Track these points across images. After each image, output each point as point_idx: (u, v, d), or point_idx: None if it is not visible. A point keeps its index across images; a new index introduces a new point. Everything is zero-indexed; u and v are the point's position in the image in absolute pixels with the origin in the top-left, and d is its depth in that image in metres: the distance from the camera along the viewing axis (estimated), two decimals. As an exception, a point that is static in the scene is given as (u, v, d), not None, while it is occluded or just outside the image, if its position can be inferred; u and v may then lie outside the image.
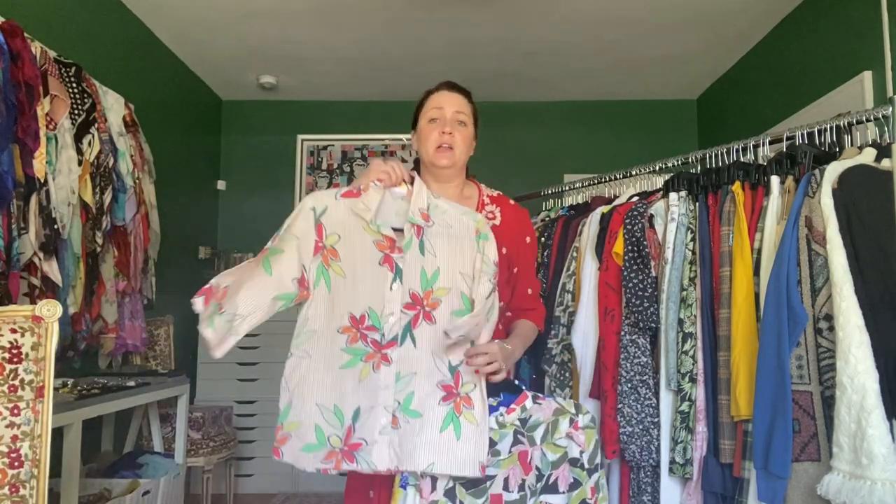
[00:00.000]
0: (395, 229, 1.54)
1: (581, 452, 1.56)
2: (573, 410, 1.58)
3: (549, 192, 3.04)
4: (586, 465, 1.56)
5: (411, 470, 1.45)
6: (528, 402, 1.55)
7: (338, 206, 1.56)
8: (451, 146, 1.69)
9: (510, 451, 1.50)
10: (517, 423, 1.52)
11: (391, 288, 1.50)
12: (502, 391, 1.57)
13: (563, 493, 1.55)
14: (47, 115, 2.34)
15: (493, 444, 1.49)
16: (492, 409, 1.52)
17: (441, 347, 1.48)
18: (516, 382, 1.59)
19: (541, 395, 1.60)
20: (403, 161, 4.86)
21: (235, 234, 4.77)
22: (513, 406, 1.54)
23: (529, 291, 1.77)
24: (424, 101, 1.78)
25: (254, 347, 4.16)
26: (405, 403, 1.47)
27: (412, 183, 1.60)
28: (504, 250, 1.68)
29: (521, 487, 1.51)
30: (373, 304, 1.50)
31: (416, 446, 1.44)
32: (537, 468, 1.52)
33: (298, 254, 1.52)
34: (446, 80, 1.79)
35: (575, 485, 1.56)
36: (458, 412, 1.47)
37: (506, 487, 1.50)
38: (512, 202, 1.82)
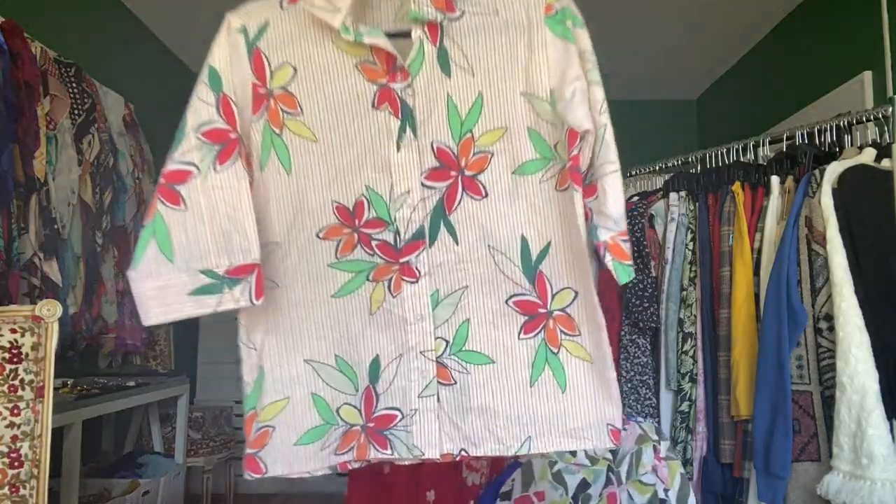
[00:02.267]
0: (391, 35, 0.94)
1: (666, 491, 1.24)
2: (655, 436, 1.24)
3: (549, 192, 3.03)
4: None
5: (485, 454, 0.96)
6: None
7: (285, 18, 0.97)
8: None
9: (601, 495, 1.18)
10: (608, 455, 1.20)
11: (398, 146, 0.94)
12: None
13: None
14: (47, 115, 2.34)
15: (585, 485, 1.15)
16: None
17: (505, 233, 0.93)
18: None
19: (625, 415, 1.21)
20: None
21: (235, 234, 4.76)
22: None
23: None
24: None
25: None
26: (457, 341, 0.95)
27: None
28: None
29: None
30: (372, 180, 0.95)
31: (491, 414, 0.94)
32: None
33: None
34: None
35: None
36: (555, 345, 0.94)
37: None
38: None
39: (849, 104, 2.70)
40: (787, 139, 1.96)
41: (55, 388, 1.59)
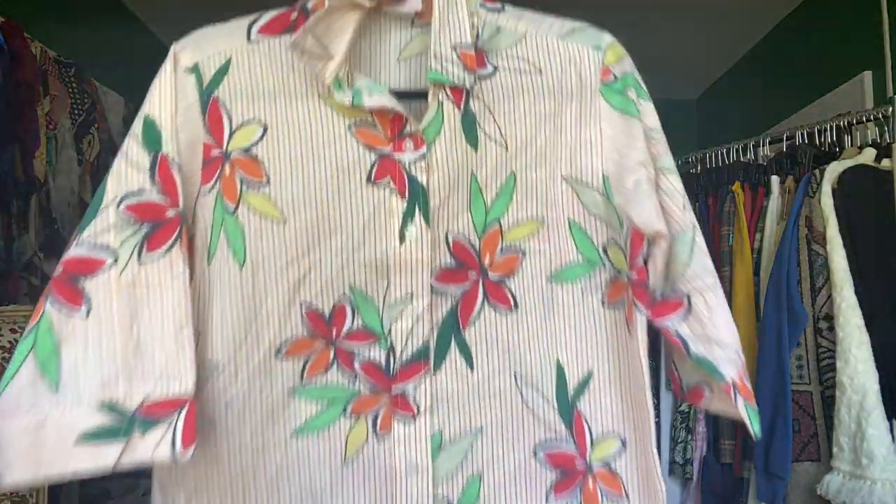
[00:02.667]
0: (399, 94, 0.69)
1: None
2: None
3: (549, 192, 3.03)
4: None
5: None
6: None
7: (254, 56, 0.72)
8: None
9: None
10: None
11: (402, 238, 0.69)
12: None
13: None
14: (47, 115, 2.34)
15: None
16: None
17: (537, 358, 0.70)
18: None
19: None
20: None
21: (235, 234, 4.76)
22: None
23: None
24: None
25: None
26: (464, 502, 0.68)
27: None
28: None
29: None
30: (360, 278, 0.69)
31: None
32: None
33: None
34: None
35: None
36: None
37: None
38: None
39: (849, 104, 2.69)
40: (787, 139, 1.96)
41: (55, 388, 1.59)
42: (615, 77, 0.74)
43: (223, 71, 0.72)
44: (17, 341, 1.50)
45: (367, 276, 0.69)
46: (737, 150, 2.08)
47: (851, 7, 2.95)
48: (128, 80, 3.32)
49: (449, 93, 0.69)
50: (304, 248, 0.69)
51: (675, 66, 4.24)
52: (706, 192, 1.96)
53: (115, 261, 0.65)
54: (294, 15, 0.72)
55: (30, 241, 2.19)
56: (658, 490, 0.70)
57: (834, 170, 1.59)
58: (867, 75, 2.79)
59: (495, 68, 0.71)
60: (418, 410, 0.68)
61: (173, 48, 0.78)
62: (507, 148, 0.71)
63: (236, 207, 0.68)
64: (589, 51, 0.75)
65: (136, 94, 3.44)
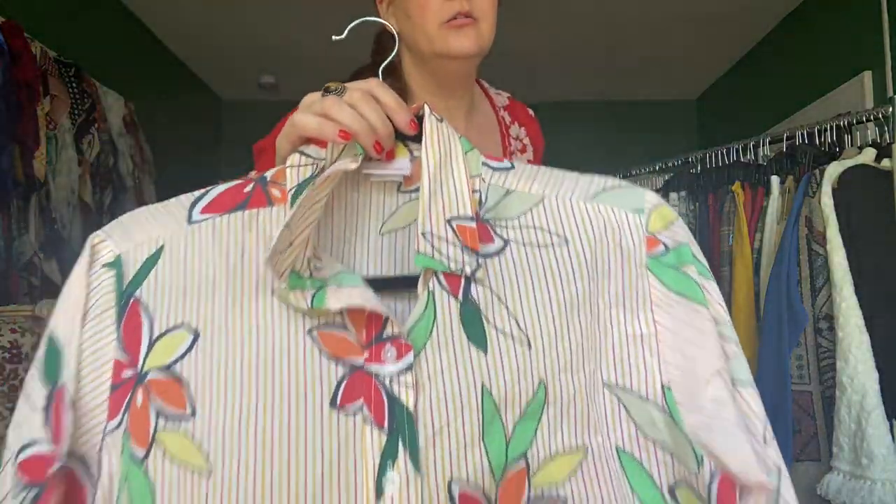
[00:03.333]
0: (378, 282, 0.54)
1: None
2: None
3: (549, 192, 3.03)
4: None
5: None
6: None
7: (193, 241, 0.56)
8: (473, 15, 0.88)
9: None
10: None
11: (381, 493, 0.47)
12: None
13: None
14: (47, 115, 2.34)
15: None
16: None
17: None
18: None
19: None
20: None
21: (235, 234, 4.77)
22: None
23: None
24: None
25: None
26: None
27: (417, 134, 0.57)
28: None
29: None
30: None
31: None
32: None
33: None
34: None
35: None
36: None
37: None
38: (531, 112, 1.11)
39: (849, 104, 2.70)
40: (787, 139, 1.96)
41: (55, 388, 1.59)
42: (666, 248, 0.54)
43: (151, 263, 0.53)
44: (17, 341, 1.50)
45: None
46: (737, 150, 2.08)
47: (851, 7, 2.96)
48: (128, 80, 3.32)
49: (443, 280, 0.51)
50: None
51: (675, 66, 4.24)
52: (706, 192, 1.96)
53: None
54: (249, 188, 0.57)
55: (30, 241, 2.19)
56: None
57: (834, 170, 1.59)
58: (867, 75, 2.80)
59: (505, 243, 0.53)
60: None
61: (91, 238, 0.56)
62: (530, 346, 0.50)
63: (146, 454, 0.48)
64: (628, 215, 0.55)
65: (136, 94, 3.47)
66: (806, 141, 1.91)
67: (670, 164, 2.36)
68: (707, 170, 2.03)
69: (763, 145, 2.01)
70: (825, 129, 1.87)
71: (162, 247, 0.54)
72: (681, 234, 0.55)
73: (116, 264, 0.54)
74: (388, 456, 0.47)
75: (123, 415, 0.50)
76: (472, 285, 0.51)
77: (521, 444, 0.47)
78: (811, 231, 1.58)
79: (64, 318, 0.54)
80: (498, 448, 0.47)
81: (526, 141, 1.04)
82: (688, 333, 0.52)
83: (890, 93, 2.64)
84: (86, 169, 2.56)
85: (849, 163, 1.62)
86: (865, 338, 1.45)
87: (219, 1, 3.40)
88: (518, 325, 0.50)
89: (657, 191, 2.20)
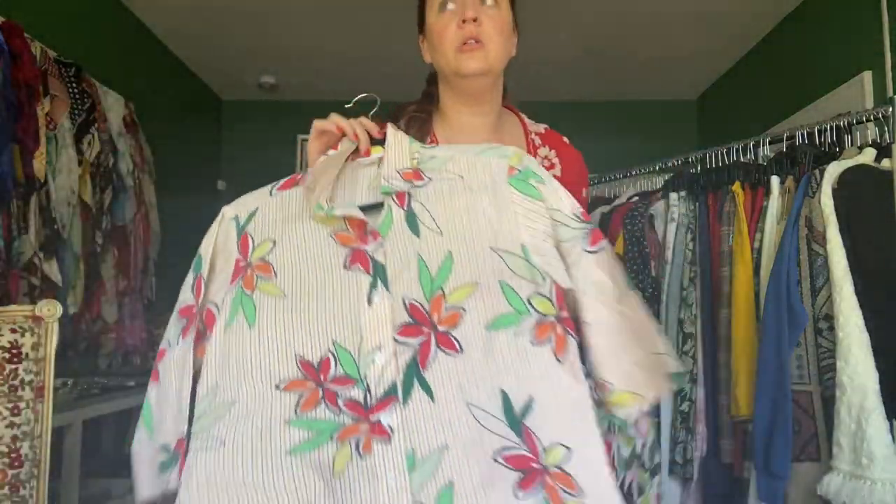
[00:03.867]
0: (364, 208, 0.95)
1: (643, 446, 1.12)
2: None
3: (549, 192, 3.03)
4: (647, 464, 1.12)
5: None
6: None
7: (272, 203, 1.02)
8: (480, 39, 1.12)
9: None
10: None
11: (370, 302, 0.89)
12: None
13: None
14: (47, 115, 2.34)
15: None
16: None
17: (484, 389, 0.84)
18: None
19: None
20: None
21: (235, 234, 4.77)
22: None
23: None
24: None
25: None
26: None
27: (383, 140, 1.02)
28: None
29: None
30: (341, 335, 0.88)
31: None
32: (614, 468, 1.04)
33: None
34: None
35: (640, 491, 1.10)
36: None
37: None
38: (566, 139, 1.30)
39: (849, 104, 2.70)
40: (787, 139, 1.96)
41: (55, 388, 1.59)
42: (519, 171, 0.95)
43: (251, 216, 1.01)
44: (17, 341, 1.50)
45: (345, 334, 0.89)
46: (737, 150, 2.08)
47: (851, 7, 2.96)
48: (128, 80, 3.32)
49: (395, 199, 0.95)
50: (297, 314, 0.92)
51: (675, 66, 4.24)
52: (706, 192, 1.96)
53: (170, 347, 0.97)
54: (300, 176, 1.04)
55: (30, 241, 2.19)
56: (608, 487, 0.83)
57: (834, 170, 1.60)
58: (867, 75, 2.80)
59: (430, 179, 0.97)
60: (392, 433, 0.83)
61: (223, 209, 1.05)
62: (442, 234, 0.92)
63: (252, 291, 0.95)
64: (497, 159, 0.96)
65: (136, 94, 3.47)
66: (806, 141, 1.91)
67: (670, 164, 2.36)
68: (707, 170, 2.03)
69: (763, 145, 2.02)
70: (825, 129, 1.87)
71: (257, 208, 1.02)
72: (526, 162, 0.96)
73: (234, 218, 1.02)
74: (372, 285, 0.90)
75: (240, 279, 0.96)
76: (410, 201, 0.95)
77: (440, 282, 0.89)
78: (811, 231, 1.58)
79: (205, 245, 1.01)
80: (426, 283, 0.89)
81: (555, 161, 1.26)
82: (532, 215, 0.92)
83: (890, 93, 2.64)
84: (86, 169, 2.56)
85: (849, 163, 1.62)
86: (865, 338, 1.45)
87: (219, 1, 3.40)
88: (435, 222, 0.93)
89: (657, 191, 2.20)
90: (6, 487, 1.45)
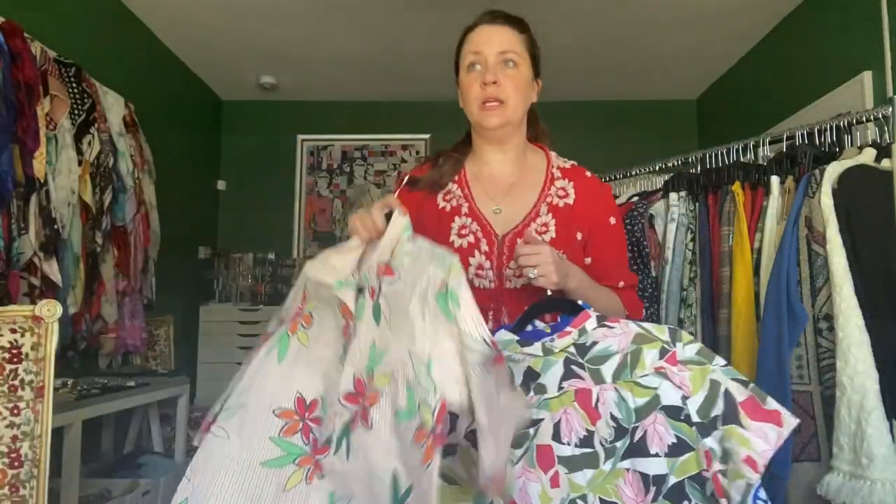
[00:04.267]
0: (361, 290, 1.12)
1: (685, 399, 0.99)
2: (666, 337, 1.03)
3: (549, 192, 3.04)
4: (695, 419, 0.98)
5: None
6: (590, 324, 1.08)
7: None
8: (500, 99, 1.29)
9: (561, 388, 1.04)
10: (571, 349, 1.07)
11: (340, 368, 1.09)
12: (561, 313, 1.15)
13: (661, 456, 0.98)
14: (47, 115, 2.34)
15: (534, 375, 1.06)
16: (540, 335, 1.11)
17: (381, 465, 1.01)
18: (581, 303, 1.13)
19: (616, 318, 1.10)
20: (403, 161, 4.86)
21: (235, 235, 4.77)
22: (568, 329, 1.09)
23: (621, 284, 1.36)
24: (462, 42, 1.37)
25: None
26: None
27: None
28: (579, 235, 1.33)
29: (588, 443, 1.01)
30: (327, 389, 1.10)
31: None
32: (613, 417, 1.01)
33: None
34: (489, 10, 1.37)
35: (680, 447, 0.97)
36: None
37: (557, 438, 1.01)
38: (589, 174, 1.41)
39: (849, 104, 2.70)
40: (787, 139, 1.96)
41: (55, 388, 1.59)
42: (445, 290, 1.00)
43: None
44: (17, 341, 1.50)
45: (329, 388, 1.09)
46: (737, 150, 2.08)
47: (851, 7, 2.96)
48: (128, 80, 3.33)
49: (368, 290, 1.09)
50: (308, 364, 1.12)
51: (675, 66, 4.24)
52: (706, 192, 1.96)
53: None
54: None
55: (30, 241, 2.19)
56: None
57: (834, 170, 1.60)
58: (867, 75, 2.80)
59: (398, 277, 1.06)
60: (323, 473, 1.06)
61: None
62: (390, 328, 1.04)
63: (291, 336, 1.13)
64: (438, 269, 1.02)
65: (136, 94, 3.46)
66: (806, 141, 1.91)
67: (670, 164, 2.36)
68: (707, 170, 2.03)
69: (763, 145, 2.02)
70: (825, 129, 1.87)
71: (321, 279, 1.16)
72: (454, 284, 0.99)
73: (306, 276, 1.16)
74: (342, 357, 1.07)
75: (289, 322, 1.13)
76: (380, 295, 1.07)
77: (372, 365, 1.04)
78: (811, 231, 1.58)
79: (291, 302, 1.16)
80: (370, 363, 1.04)
81: (570, 191, 1.37)
82: (443, 334, 0.98)
83: (890, 93, 2.64)
84: (86, 169, 2.56)
85: (849, 163, 1.62)
86: (865, 338, 1.45)
87: (219, 2, 3.40)
88: (387, 318, 1.05)
89: (657, 191, 2.20)
90: (6, 487, 1.45)
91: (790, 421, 0.97)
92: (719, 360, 1.00)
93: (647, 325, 1.06)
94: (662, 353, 1.01)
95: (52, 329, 1.54)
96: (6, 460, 1.46)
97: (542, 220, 1.33)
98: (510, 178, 1.38)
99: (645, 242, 1.99)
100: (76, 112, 2.55)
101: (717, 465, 0.96)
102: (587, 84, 4.56)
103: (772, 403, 0.98)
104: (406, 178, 1.43)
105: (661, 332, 1.04)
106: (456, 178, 1.40)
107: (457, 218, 1.35)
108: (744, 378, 0.99)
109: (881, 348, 1.46)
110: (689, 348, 1.01)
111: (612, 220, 1.38)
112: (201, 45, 3.95)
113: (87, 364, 2.88)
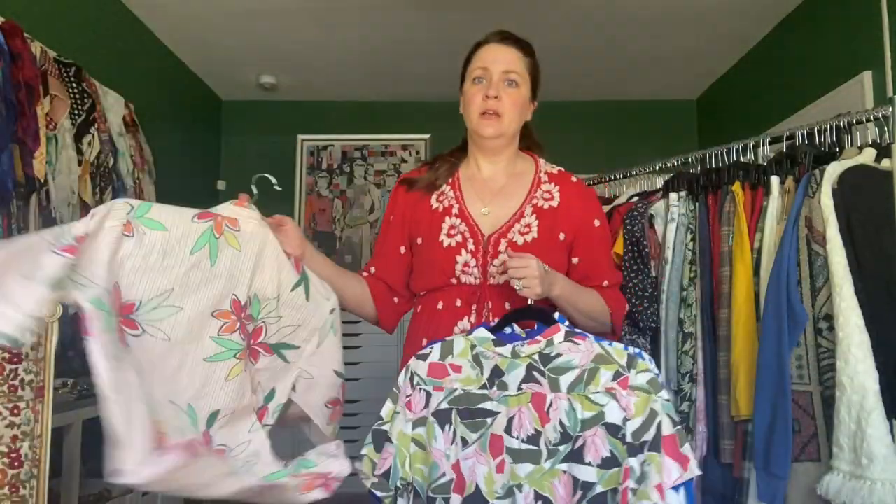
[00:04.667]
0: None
1: (626, 420, 1.11)
2: (623, 362, 1.14)
3: (549, 192, 3.03)
4: (629, 439, 1.10)
5: None
6: (559, 337, 1.19)
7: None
8: (498, 112, 1.42)
9: (520, 388, 1.17)
10: (536, 357, 1.18)
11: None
12: (538, 321, 1.26)
13: (593, 465, 1.11)
14: (47, 115, 2.34)
15: (499, 373, 1.18)
16: (514, 339, 1.23)
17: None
18: (556, 316, 1.24)
19: (583, 334, 1.20)
20: (404, 161, 4.86)
21: (235, 234, 4.77)
22: (538, 338, 1.20)
23: (605, 283, 1.47)
24: (472, 55, 1.50)
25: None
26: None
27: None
28: (562, 236, 1.43)
29: (534, 441, 1.14)
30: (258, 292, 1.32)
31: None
32: (562, 423, 1.14)
33: None
34: (499, 30, 1.51)
35: (611, 461, 1.11)
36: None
37: (509, 431, 1.15)
38: (575, 179, 1.54)
39: (849, 104, 2.70)
40: (787, 139, 1.96)
41: (55, 388, 1.59)
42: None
43: None
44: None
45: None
46: (737, 150, 2.08)
47: (851, 7, 2.96)
48: (128, 80, 3.33)
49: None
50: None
51: (675, 66, 4.24)
52: (706, 192, 1.96)
53: None
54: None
55: (30, 241, 2.19)
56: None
57: (834, 170, 1.59)
58: (867, 75, 2.80)
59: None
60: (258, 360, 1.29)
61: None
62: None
63: (219, 236, 1.30)
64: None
65: (136, 94, 3.45)
66: (806, 141, 1.91)
67: (670, 164, 2.36)
68: (707, 170, 2.02)
69: (763, 145, 2.01)
70: (825, 129, 1.87)
71: None
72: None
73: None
74: None
75: (213, 223, 1.34)
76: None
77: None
78: (811, 231, 1.58)
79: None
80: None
81: (556, 194, 1.48)
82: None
83: (890, 93, 2.64)
84: (86, 169, 2.56)
85: (849, 163, 1.62)
86: (865, 338, 1.45)
87: (219, 2, 3.40)
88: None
89: (657, 191, 2.20)
90: (6, 487, 1.45)
91: (694, 470, 1.10)
92: (664, 394, 1.12)
93: (609, 347, 1.16)
94: (616, 375, 1.13)
95: (52, 329, 1.54)
96: (6, 460, 1.46)
97: (526, 220, 1.43)
98: (500, 181, 1.49)
99: (645, 242, 1.99)
100: (76, 112, 2.55)
101: (630, 483, 1.07)
102: (587, 84, 4.56)
103: (686, 450, 1.10)
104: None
105: (621, 356, 1.14)
106: (450, 180, 1.50)
107: (447, 218, 1.46)
108: (677, 418, 1.12)
109: (881, 348, 1.46)
110: (641, 376, 1.12)
111: (597, 223, 1.49)
112: (201, 45, 3.94)
113: (87, 364, 2.87)
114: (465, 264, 1.41)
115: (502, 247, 1.41)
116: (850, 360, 1.44)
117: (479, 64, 1.45)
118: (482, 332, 1.24)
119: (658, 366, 1.93)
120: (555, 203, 1.46)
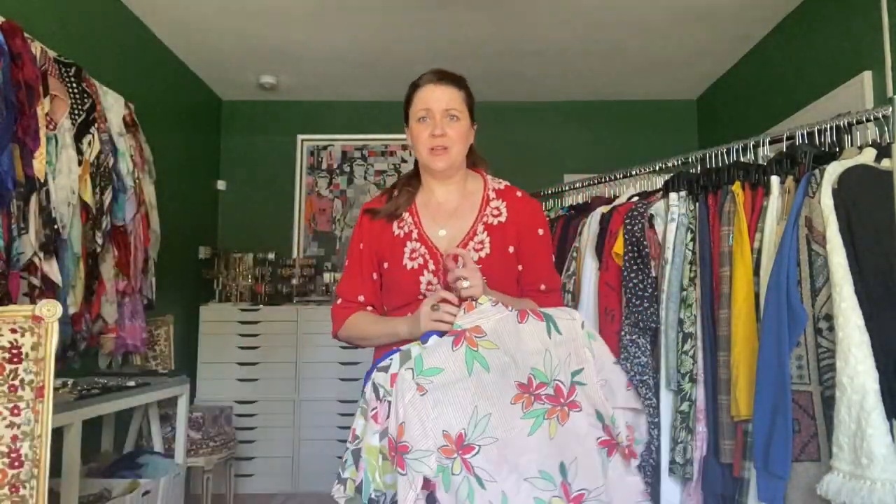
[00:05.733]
0: None
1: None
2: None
3: (549, 192, 3.04)
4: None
5: None
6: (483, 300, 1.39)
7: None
8: (445, 146, 1.55)
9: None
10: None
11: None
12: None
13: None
14: (47, 115, 2.34)
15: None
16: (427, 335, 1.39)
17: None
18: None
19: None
20: (404, 161, 4.86)
21: (235, 235, 4.77)
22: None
23: (542, 287, 1.59)
24: (411, 96, 1.62)
25: (254, 347, 4.16)
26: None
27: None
28: (511, 249, 1.56)
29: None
30: (536, 364, 1.41)
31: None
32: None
33: None
34: (432, 69, 1.63)
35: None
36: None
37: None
38: (520, 193, 1.65)
39: (849, 104, 2.70)
40: (787, 139, 1.96)
41: (55, 388, 1.59)
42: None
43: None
44: (17, 341, 1.50)
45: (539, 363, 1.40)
46: (737, 150, 2.08)
47: (851, 7, 2.96)
48: (128, 80, 3.32)
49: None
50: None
51: (675, 66, 4.24)
52: (706, 192, 1.96)
53: None
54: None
55: (30, 241, 2.19)
56: None
57: (834, 170, 1.60)
58: (867, 75, 2.80)
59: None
60: (580, 407, 1.38)
61: None
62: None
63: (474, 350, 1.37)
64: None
65: (136, 94, 3.45)
66: (806, 141, 1.91)
67: (670, 164, 2.36)
68: (707, 170, 2.02)
69: (763, 145, 2.02)
70: (825, 129, 1.87)
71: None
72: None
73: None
74: None
75: (466, 340, 1.38)
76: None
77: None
78: (811, 231, 1.58)
79: None
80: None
81: (503, 210, 1.60)
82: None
83: (890, 93, 2.64)
84: (86, 169, 2.55)
85: (849, 163, 1.62)
86: (865, 338, 1.45)
87: (219, 2, 3.40)
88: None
89: (657, 191, 2.20)
90: (6, 487, 1.45)
91: None
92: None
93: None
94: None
95: (52, 329, 1.54)
96: (6, 460, 1.46)
97: (479, 238, 1.56)
98: (453, 203, 1.62)
99: (645, 242, 1.99)
100: (76, 112, 2.55)
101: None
102: (587, 84, 4.56)
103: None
104: (367, 208, 1.67)
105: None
106: (408, 207, 1.62)
107: (408, 243, 1.58)
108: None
109: (881, 348, 1.46)
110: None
111: (541, 231, 1.60)
112: (201, 45, 3.94)
113: (87, 364, 2.88)
114: (429, 283, 1.53)
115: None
116: (849, 360, 1.44)
117: (421, 105, 1.57)
118: (434, 339, 1.37)
119: (658, 366, 1.94)
120: (503, 219, 1.59)
